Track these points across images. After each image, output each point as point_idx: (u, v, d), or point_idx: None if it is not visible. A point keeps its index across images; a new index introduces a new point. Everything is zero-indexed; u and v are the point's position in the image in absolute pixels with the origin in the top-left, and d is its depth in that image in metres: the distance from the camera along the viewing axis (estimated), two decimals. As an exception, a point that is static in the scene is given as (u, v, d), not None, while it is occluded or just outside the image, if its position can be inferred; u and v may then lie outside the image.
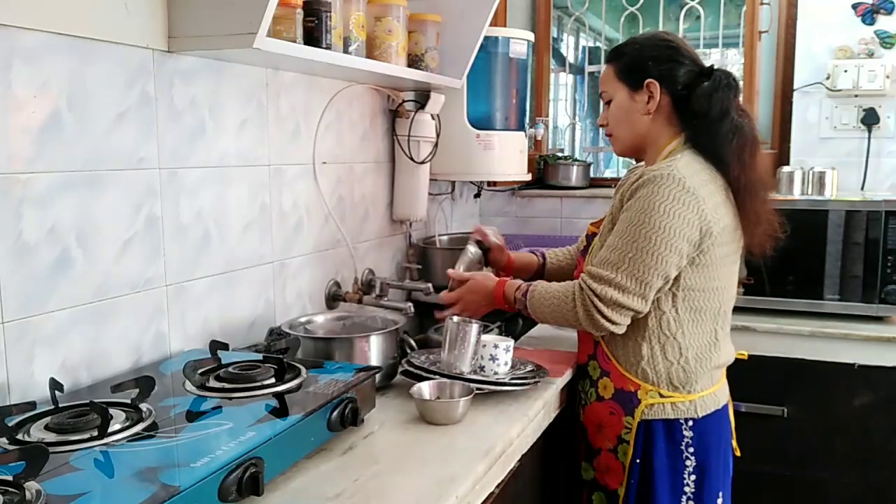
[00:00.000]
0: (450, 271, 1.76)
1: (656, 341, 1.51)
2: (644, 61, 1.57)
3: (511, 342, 1.55)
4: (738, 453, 1.69)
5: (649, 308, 1.49)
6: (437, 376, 1.45)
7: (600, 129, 1.94)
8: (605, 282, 1.46)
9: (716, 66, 1.56)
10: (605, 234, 1.56)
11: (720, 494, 1.59)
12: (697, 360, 1.53)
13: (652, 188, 1.45)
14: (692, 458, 1.53)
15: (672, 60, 1.55)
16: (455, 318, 1.50)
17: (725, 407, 1.62)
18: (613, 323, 1.47)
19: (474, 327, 1.48)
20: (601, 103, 1.69)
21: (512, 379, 1.50)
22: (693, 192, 1.44)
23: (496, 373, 1.52)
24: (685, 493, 1.54)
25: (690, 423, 1.53)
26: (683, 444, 1.53)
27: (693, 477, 1.54)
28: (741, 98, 1.58)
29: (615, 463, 1.57)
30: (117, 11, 1.31)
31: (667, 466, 1.53)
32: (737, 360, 1.67)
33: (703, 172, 1.49)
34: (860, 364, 2.13)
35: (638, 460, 1.53)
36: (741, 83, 1.58)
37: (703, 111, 1.52)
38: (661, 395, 1.52)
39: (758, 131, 1.59)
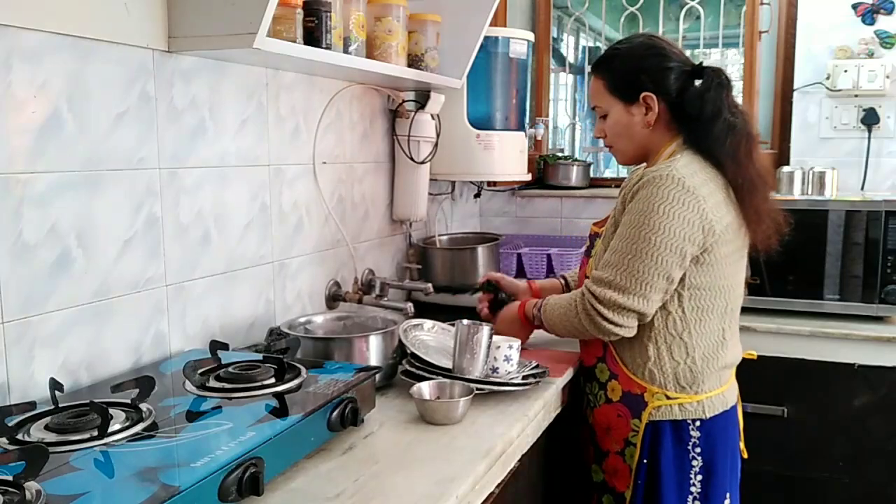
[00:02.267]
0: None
1: (662, 342, 1.51)
2: (636, 74, 1.54)
3: (518, 342, 1.56)
4: (744, 455, 1.68)
5: (656, 309, 1.49)
6: (437, 376, 1.45)
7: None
8: (605, 284, 1.47)
9: (705, 64, 1.55)
10: (608, 237, 1.56)
11: (727, 495, 1.58)
12: (704, 359, 1.52)
13: (651, 189, 1.45)
14: (699, 458, 1.53)
15: (663, 68, 1.53)
16: (465, 322, 1.50)
17: (734, 408, 1.61)
18: (616, 325, 1.47)
19: (485, 329, 1.48)
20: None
21: (517, 378, 1.50)
22: (693, 191, 1.44)
23: (509, 372, 1.52)
24: (691, 493, 1.53)
25: (698, 423, 1.52)
26: (690, 444, 1.52)
27: (700, 477, 1.53)
28: (734, 95, 1.56)
29: (622, 465, 1.57)
30: (117, 11, 1.31)
31: (673, 466, 1.52)
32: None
33: (702, 172, 1.48)
34: (860, 364, 2.13)
35: (645, 461, 1.53)
36: (733, 81, 1.56)
37: (695, 113, 1.51)
38: (668, 397, 1.52)
39: (754, 128, 1.58)
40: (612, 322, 1.46)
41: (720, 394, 1.55)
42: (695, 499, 1.54)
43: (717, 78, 1.51)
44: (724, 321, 1.55)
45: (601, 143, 1.78)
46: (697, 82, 1.53)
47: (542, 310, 1.62)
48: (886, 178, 2.66)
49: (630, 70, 1.55)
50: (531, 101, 3.01)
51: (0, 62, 1.12)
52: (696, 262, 1.47)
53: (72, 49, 1.23)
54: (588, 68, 3.74)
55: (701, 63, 1.56)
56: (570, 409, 1.64)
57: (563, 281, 1.92)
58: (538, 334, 1.83)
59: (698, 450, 1.53)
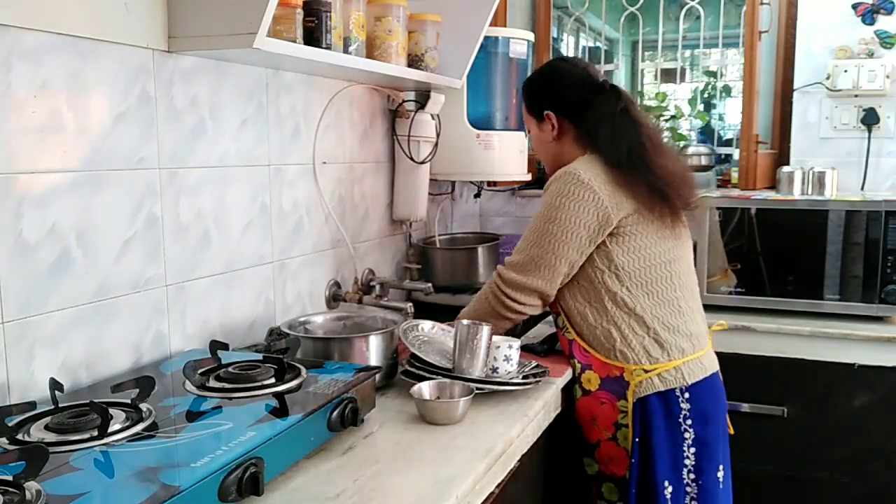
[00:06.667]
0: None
1: (621, 321, 1.58)
2: (537, 95, 1.75)
3: (518, 342, 1.56)
4: (731, 431, 1.71)
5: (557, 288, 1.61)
6: (437, 376, 1.45)
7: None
8: (510, 266, 1.64)
9: (607, 81, 1.70)
10: None
11: (720, 467, 1.63)
12: (666, 329, 1.59)
13: (555, 185, 1.62)
14: (690, 430, 1.57)
15: (561, 87, 1.71)
16: (465, 322, 1.50)
17: (715, 376, 1.66)
18: (519, 303, 1.62)
19: (485, 329, 1.48)
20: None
21: (517, 378, 1.50)
22: (587, 182, 1.57)
23: (509, 372, 1.52)
24: (686, 466, 1.57)
25: (686, 394, 1.56)
26: (681, 416, 1.57)
27: (693, 450, 1.58)
28: (638, 108, 1.73)
29: (617, 450, 1.60)
30: (117, 11, 1.31)
31: (666, 441, 1.56)
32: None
33: (597, 166, 1.60)
34: (860, 364, 2.12)
35: (637, 439, 1.56)
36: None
37: (593, 125, 1.65)
38: (646, 371, 1.56)
39: (656, 136, 1.69)
40: (515, 300, 1.62)
41: (696, 359, 1.61)
42: (689, 472, 1.57)
43: (614, 93, 1.67)
44: (675, 291, 1.62)
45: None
46: (597, 99, 1.66)
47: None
48: (886, 178, 2.66)
49: (534, 92, 1.77)
50: (531, 101, 3.00)
51: (0, 62, 1.13)
52: (615, 242, 1.58)
53: (72, 49, 1.23)
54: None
55: (604, 81, 1.71)
56: (567, 406, 1.65)
57: None
58: (540, 333, 1.83)
59: (689, 422, 1.57)
